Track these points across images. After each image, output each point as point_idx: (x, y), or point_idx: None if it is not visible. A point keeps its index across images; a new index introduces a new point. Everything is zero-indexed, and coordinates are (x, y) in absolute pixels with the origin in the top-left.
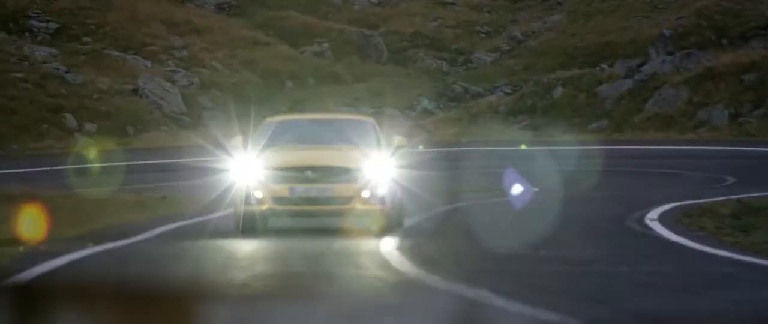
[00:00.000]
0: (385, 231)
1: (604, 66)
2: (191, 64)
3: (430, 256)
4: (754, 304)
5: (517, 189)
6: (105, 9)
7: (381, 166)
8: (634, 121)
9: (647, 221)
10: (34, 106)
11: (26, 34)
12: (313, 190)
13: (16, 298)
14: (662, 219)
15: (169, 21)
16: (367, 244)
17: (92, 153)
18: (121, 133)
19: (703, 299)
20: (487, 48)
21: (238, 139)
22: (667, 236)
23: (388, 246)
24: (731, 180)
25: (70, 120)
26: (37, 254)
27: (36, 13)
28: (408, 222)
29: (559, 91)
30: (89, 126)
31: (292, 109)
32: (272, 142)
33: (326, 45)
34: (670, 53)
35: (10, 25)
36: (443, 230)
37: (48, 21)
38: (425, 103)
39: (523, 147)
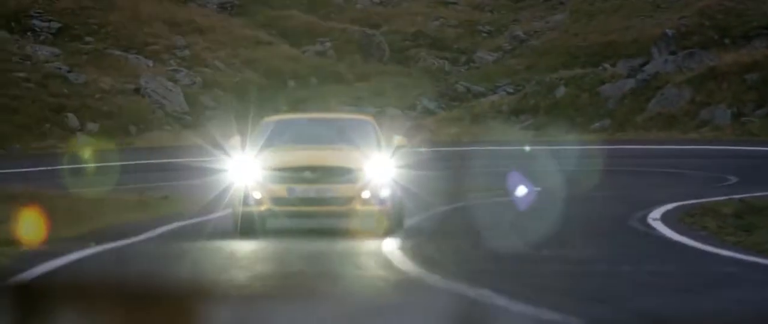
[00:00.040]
0: (385, 232)
1: (606, 65)
2: (193, 63)
3: (431, 256)
4: (757, 303)
5: (521, 191)
6: (107, 8)
7: (381, 166)
8: (636, 120)
9: (650, 221)
10: (37, 105)
11: (28, 33)
12: (312, 190)
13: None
14: (665, 218)
15: (172, 20)
16: (368, 244)
17: (87, 153)
18: (124, 133)
19: (706, 299)
20: (489, 47)
21: (236, 139)
22: (669, 236)
23: (389, 246)
24: (734, 179)
25: (73, 119)
26: (38, 254)
27: (38, 13)
28: (408, 222)
29: (561, 91)
30: (91, 125)
31: (293, 109)
32: (270, 142)
33: (328, 44)
34: (673, 53)
35: (13, 24)
36: (444, 230)
37: (50, 20)
38: (424, 102)
39: (527, 149)
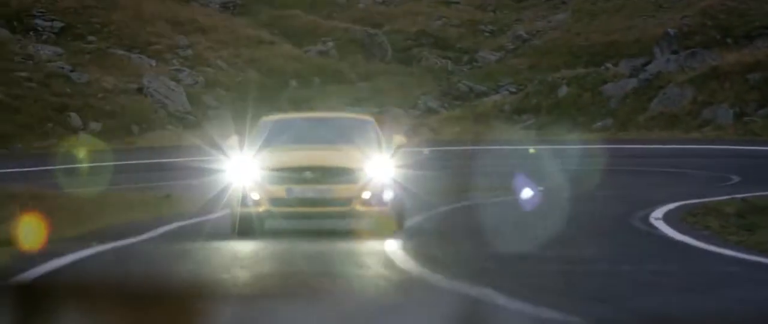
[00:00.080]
0: (386, 232)
1: (608, 65)
2: (196, 63)
3: (433, 256)
4: (759, 303)
5: (526, 193)
6: (110, 8)
7: (381, 166)
8: (638, 120)
9: (652, 220)
10: (39, 105)
11: (31, 33)
12: (312, 191)
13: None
14: (667, 218)
15: (174, 20)
16: (370, 244)
17: (88, 153)
18: (126, 132)
19: (708, 298)
20: (491, 47)
21: (233, 139)
22: (671, 235)
23: (391, 246)
24: (736, 179)
25: (75, 119)
26: (39, 254)
27: (41, 12)
28: (409, 222)
29: (563, 90)
30: (94, 125)
31: (295, 109)
32: (269, 142)
33: (331, 44)
34: (675, 52)
35: (15, 24)
36: (445, 230)
37: (53, 20)
38: (427, 102)
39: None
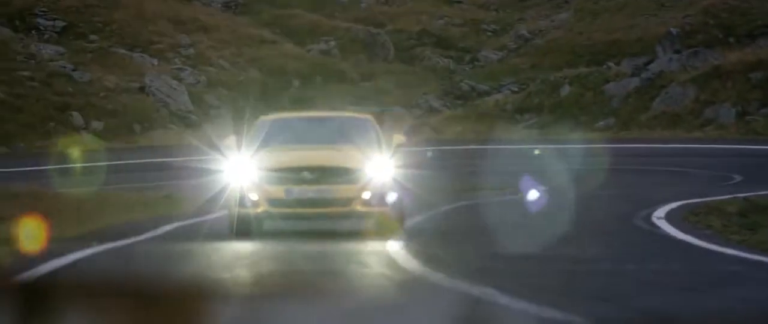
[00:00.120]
0: (386, 233)
1: (611, 64)
2: (198, 62)
3: (435, 255)
4: (761, 302)
5: (533, 194)
6: (112, 7)
7: (381, 166)
8: (641, 119)
9: (654, 219)
10: (41, 104)
11: (33, 32)
12: (311, 191)
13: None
14: (669, 217)
15: (176, 19)
16: (371, 244)
17: (83, 152)
18: (128, 132)
19: (710, 297)
20: (493, 46)
21: (231, 139)
22: (674, 234)
23: (392, 245)
24: (738, 178)
25: (77, 118)
26: (41, 254)
27: (43, 11)
28: (410, 222)
29: (566, 90)
30: (96, 124)
31: (298, 108)
32: (267, 141)
33: (333, 43)
34: (677, 51)
35: (17, 23)
36: (446, 229)
37: (55, 19)
38: (429, 101)
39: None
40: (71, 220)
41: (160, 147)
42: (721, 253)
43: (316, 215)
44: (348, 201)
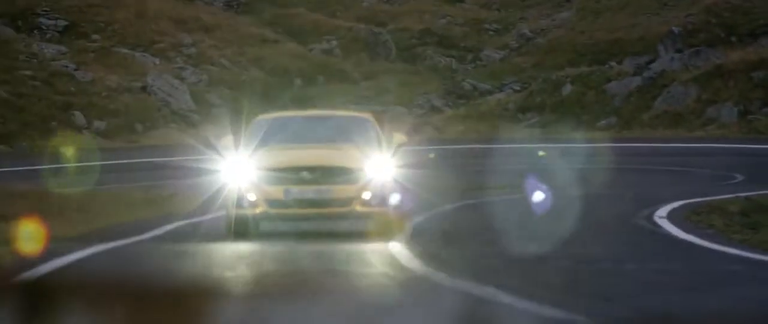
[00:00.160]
0: (387, 233)
1: (613, 63)
2: (200, 61)
3: (437, 254)
4: (763, 301)
5: (538, 196)
6: (113, 6)
7: (381, 165)
8: (642, 118)
9: (656, 219)
10: (43, 103)
11: (35, 31)
12: (310, 192)
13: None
14: (671, 216)
15: (178, 18)
16: (373, 244)
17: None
18: (130, 131)
19: (711, 297)
20: (496, 45)
21: (228, 139)
22: (675, 234)
23: (394, 245)
24: (740, 177)
25: (79, 117)
26: (42, 253)
27: (45, 11)
28: (412, 222)
29: (567, 89)
30: (98, 123)
31: (298, 107)
32: (265, 141)
33: (335, 42)
34: (679, 51)
35: (19, 22)
36: (448, 229)
37: (57, 18)
38: (431, 100)
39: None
40: (72, 219)
41: (161, 146)
42: (723, 253)
43: (316, 216)
44: (348, 201)
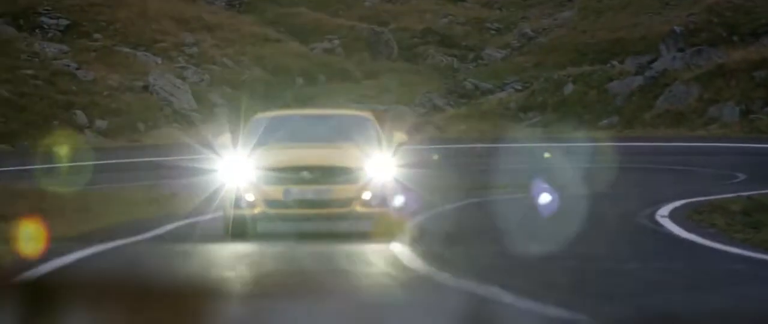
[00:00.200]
0: (388, 233)
1: (614, 63)
2: (202, 60)
3: (439, 254)
4: (765, 300)
5: (545, 198)
6: (115, 5)
7: (382, 165)
8: (644, 117)
9: (658, 218)
10: (45, 102)
11: (37, 30)
12: (310, 192)
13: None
14: (673, 216)
15: (180, 17)
16: (375, 243)
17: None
18: (132, 130)
19: (714, 296)
20: (497, 45)
21: (226, 138)
22: (677, 233)
23: (396, 245)
24: (742, 177)
25: (81, 117)
26: (43, 253)
27: (46, 10)
28: (413, 222)
29: (569, 88)
30: (100, 123)
31: (300, 106)
32: (264, 140)
33: (337, 42)
34: (681, 50)
35: (21, 21)
36: (450, 229)
37: (58, 17)
38: (433, 99)
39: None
40: (73, 218)
41: (163, 146)
42: (725, 252)
43: (316, 216)
44: (348, 202)
